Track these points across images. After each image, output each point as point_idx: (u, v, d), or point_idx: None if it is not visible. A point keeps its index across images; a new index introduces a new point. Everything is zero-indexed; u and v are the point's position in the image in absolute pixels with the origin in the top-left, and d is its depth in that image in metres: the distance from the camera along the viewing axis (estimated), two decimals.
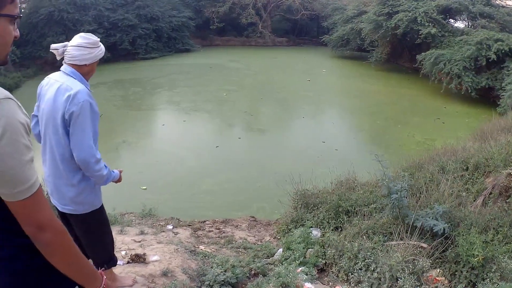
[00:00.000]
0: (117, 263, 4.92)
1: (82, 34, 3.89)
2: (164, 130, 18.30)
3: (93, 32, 31.32)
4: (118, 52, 34.52)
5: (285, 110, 22.22)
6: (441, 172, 8.73)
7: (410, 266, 5.31)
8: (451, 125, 18.35)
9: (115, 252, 4.89)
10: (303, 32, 49.95)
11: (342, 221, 7.48)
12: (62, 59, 3.89)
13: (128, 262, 5.51)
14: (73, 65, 3.84)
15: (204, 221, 9.48)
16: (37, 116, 4.00)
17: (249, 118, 19.84)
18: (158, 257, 5.77)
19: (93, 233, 4.28)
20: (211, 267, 5.86)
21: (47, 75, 4.01)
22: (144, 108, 21.70)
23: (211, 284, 5.30)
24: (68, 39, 3.94)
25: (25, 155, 1.83)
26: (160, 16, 37.87)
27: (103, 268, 4.43)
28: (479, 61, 21.75)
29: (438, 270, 5.60)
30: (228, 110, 21.53)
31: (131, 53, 35.38)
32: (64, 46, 3.85)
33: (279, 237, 8.07)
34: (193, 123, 19.15)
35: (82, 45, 3.81)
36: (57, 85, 3.77)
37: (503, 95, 18.60)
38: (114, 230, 7.09)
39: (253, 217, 9.91)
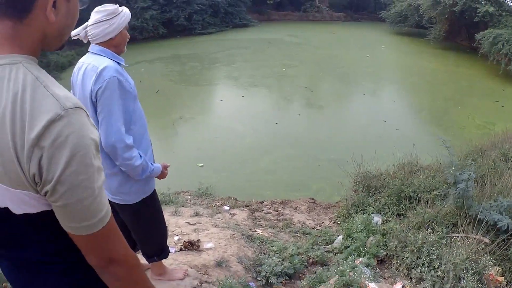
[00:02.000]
0: (169, 251, 4.69)
1: (97, 8, 3.43)
2: (222, 105, 18.13)
3: (147, 9, 32.23)
4: (174, 27, 34.84)
5: (345, 86, 21.73)
6: (503, 159, 8.30)
7: (474, 265, 4.93)
8: (510, 108, 17.50)
9: (168, 237, 4.64)
10: (360, 7, 49.06)
11: (404, 208, 7.16)
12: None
13: (180, 249, 5.31)
14: (100, 43, 3.45)
15: (262, 202, 9.28)
16: None
17: (309, 94, 19.47)
18: (213, 244, 5.55)
19: (143, 223, 3.91)
20: (268, 255, 5.62)
21: None
22: (202, 83, 21.58)
23: (267, 275, 5.05)
24: None
25: (98, 181, 1.51)
26: None
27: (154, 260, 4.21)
28: None
29: (497, 268, 5.20)
30: (288, 86, 21.21)
31: (188, 28, 35.52)
32: (85, 28, 3.44)
33: (339, 222, 7.78)
34: (251, 99, 18.94)
35: (100, 20, 3.38)
36: (84, 68, 3.39)
37: None
38: (168, 212, 6.96)
39: (312, 199, 9.64)
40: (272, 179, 11.08)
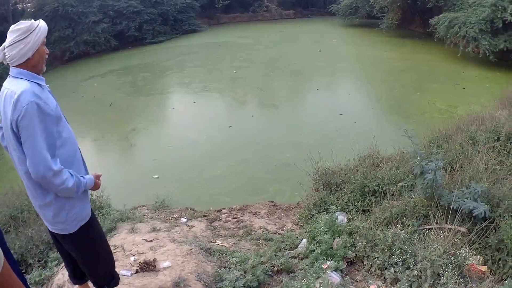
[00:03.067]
0: (125, 274, 4.40)
1: (12, 26, 3.21)
2: (175, 113, 17.81)
3: (98, 22, 32.18)
4: (125, 39, 34.86)
5: (298, 83, 21.52)
6: (471, 143, 8.18)
7: (452, 259, 4.69)
8: (472, 90, 17.61)
9: (124, 257, 4.37)
10: (309, 3, 49.33)
11: (370, 203, 6.95)
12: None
13: (136, 271, 4.97)
14: (18, 66, 3.22)
15: (221, 210, 8.93)
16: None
17: (262, 94, 19.26)
18: (170, 262, 5.22)
19: (86, 251, 3.69)
20: (229, 268, 5.31)
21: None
22: (154, 93, 21.17)
23: None
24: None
25: None
26: None
27: None
28: (495, 23, 20.75)
29: (478, 257, 5.00)
30: (240, 88, 21.02)
31: (139, 38, 35.46)
32: (3, 49, 3.21)
33: (301, 224, 7.51)
34: (204, 104, 18.64)
35: (15, 40, 3.15)
36: (4, 93, 3.18)
37: None
38: (125, 230, 6.66)
39: (272, 201, 9.32)
40: (229, 184, 10.81)
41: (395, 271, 4.83)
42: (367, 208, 6.92)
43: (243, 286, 4.81)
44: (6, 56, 3.19)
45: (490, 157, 7.29)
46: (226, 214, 8.58)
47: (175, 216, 8.29)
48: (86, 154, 11.71)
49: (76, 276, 4.06)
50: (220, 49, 30.29)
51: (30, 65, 3.24)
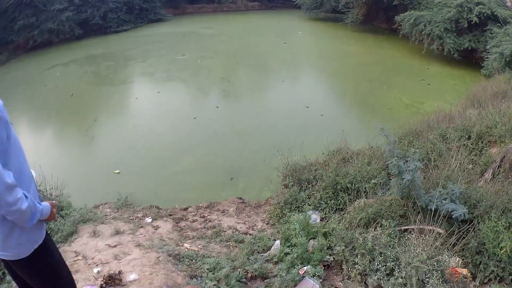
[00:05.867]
0: None
1: None
2: (138, 104, 17.14)
3: (63, 10, 31.27)
4: (90, 27, 33.86)
5: (263, 74, 21.19)
6: (442, 140, 8.14)
7: (435, 264, 4.46)
8: (436, 87, 17.65)
9: (86, 267, 3.95)
10: None
11: (343, 201, 6.72)
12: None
13: (101, 286, 4.53)
14: None
15: (187, 208, 8.55)
16: None
17: (227, 85, 18.91)
18: (136, 275, 4.81)
19: (43, 276, 3.16)
20: (201, 277, 4.94)
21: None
22: (117, 83, 20.55)
23: None
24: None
25: None
26: None
27: None
28: (460, 23, 21.13)
29: (457, 259, 4.79)
30: (204, 78, 20.54)
31: (103, 27, 34.54)
32: None
33: (272, 223, 7.21)
34: (168, 94, 18.14)
35: None
36: None
37: (487, 57, 18.12)
38: (86, 233, 6.25)
39: (240, 198, 9.00)
40: (194, 180, 10.38)
41: (378, 278, 4.56)
42: (341, 206, 6.71)
43: None
44: None
45: (462, 155, 7.21)
46: (193, 213, 8.21)
47: (139, 215, 7.88)
48: (45, 146, 11.11)
49: None
50: (185, 39, 29.73)
51: None
